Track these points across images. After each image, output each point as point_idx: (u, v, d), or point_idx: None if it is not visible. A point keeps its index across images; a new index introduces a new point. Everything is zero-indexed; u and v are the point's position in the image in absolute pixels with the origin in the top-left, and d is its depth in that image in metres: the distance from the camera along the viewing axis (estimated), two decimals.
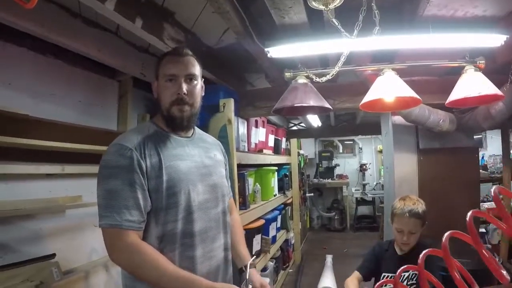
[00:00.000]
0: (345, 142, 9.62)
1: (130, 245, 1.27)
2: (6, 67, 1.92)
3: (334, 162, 9.13)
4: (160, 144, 1.43)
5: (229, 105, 2.88)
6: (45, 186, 2.11)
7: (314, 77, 2.17)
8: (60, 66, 2.24)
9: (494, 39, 2.15)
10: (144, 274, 1.29)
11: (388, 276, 1.96)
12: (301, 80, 2.19)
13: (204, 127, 2.78)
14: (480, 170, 4.12)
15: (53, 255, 2.03)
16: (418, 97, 2.02)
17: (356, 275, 1.98)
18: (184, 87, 1.45)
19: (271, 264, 4.35)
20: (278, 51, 2.32)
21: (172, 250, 1.38)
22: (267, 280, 1.70)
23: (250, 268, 1.69)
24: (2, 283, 1.71)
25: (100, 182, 1.33)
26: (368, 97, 2.09)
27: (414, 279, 1.89)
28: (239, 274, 1.71)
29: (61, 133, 2.03)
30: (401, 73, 2.13)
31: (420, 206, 1.99)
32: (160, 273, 1.27)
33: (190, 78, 1.48)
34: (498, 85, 2.08)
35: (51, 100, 2.17)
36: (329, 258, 2.04)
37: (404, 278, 1.91)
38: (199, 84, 1.53)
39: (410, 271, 1.91)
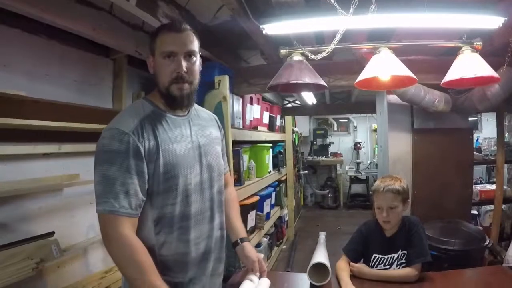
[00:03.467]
0: (340, 120, 9.64)
1: (123, 237, 1.25)
2: (0, 50, 1.90)
3: (328, 140, 9.14)
4: (157, 125, 1.39)
5: (224, 82, 2.88)
6: (42, 165, 2.12)
7: (309, 54, 2.16)
8: (55, 46, 2.22)
9: (491, 21, 2.14)
10: (127, 272, 1.27)
11: (378, 257, 1.99)
12: (296, 57, 2.18)
13: (199, 104, 2.76)
14: (474, 152, 4.15)
15: (52, 233, 2.05)
16: (414, 76, 2.02)
17: (345, 259, 1.98)
18: (184, 64, 1.40)
19: (265, 240, 4.43)
20: (273, 28, 2.30)
21: (170, 233, 1.38)
22: (261, 256, 1.73)
23: (244, 242, 1.72)
24: (3, 261, 1.73)
25: (97, 167, 1.30)
26: (363, 75, 2.09)
27: (403, 258, 1.93)
28: (233, 247, 1.74)
29: (57, 112, 2.02)
30: (397, 52, 2.12)
31: (398, 184, 1.97)
32: (142, 278, 1.24)
33: (190, 54, 1.43)
34: (495, 67, 2.08)
35: (46, 80, 2.16)
36: (322, 235, 2.06)
37: (394, 259, 1.95)
38: (198, 60, 1.48)
39: (400, 251, 1.94)
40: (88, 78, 2.47)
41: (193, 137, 1.50)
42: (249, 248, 1.72)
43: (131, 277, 1.26)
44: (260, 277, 1.67)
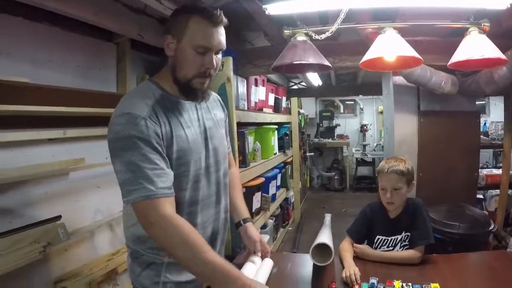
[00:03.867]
0: (346, 102, 9.59)
1: (167, 219, 1.22)
2: (3, 38, 1.90)
3: (334, 122, 9.14)
4: (168, 111, 1.34)
5: (228, 63, 2.86)
6: (48, 151, 2.13)
7: (313, 34, 2.14)
8: (57, 32, 2.20)
9: (499, 1, 2.06)
10: (178, 253, 1.25)
11: (382, 239, 2.00)
12: (300, 37, 2.16)
13: None
14: (481, 136, 4.11)
15: (59, 217, 2.08)
16: (419, 56, 2.00)
17: (349, 240, 1.99)
18: (214, 60, 1.35)
19: (270, 222, 4.46)
20: (276, 8, 2.26)
21: None
22: (266, 238, 1.75)
23: (247, 222, 1.74)
24: (11, 246, 1.75)
25: (117, 156, 1.23)
26: (368, 55, 2.07)
27: (407, 240, 1.93)
28: (236, 228, 1.75)
29: (61, 98, 2.02)
30: (403, 32, 2.10)
31: (403, 165, 1.96)
32: (195, 256, 1.22)
33: (219, 50, 1.37)
34: (503, 49, 2.05)
35: (50, 66, 2.15)
36: (327, 217, 2.07)
37: (397, 241, 1.95)
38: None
39: (403, 232, 1.95)
40: (92, 63, 2.46)
41: (200, 121, 1.47)
42: (251, 228, 1.73)
43: (184, 258, 1.25)
44: (263, 258, 1.69)
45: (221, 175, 1.57)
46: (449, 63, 2.14)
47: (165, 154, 1.30)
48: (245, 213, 1.77)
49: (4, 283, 1.81)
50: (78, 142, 2.31)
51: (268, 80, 4.89)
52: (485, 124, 6.00)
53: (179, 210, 1.35)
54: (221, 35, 1.35)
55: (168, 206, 1.24)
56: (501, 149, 4.25)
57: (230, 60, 2.87)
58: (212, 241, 1.52)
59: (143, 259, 1.41)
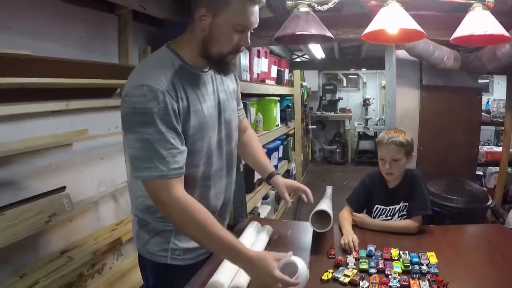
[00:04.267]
0: (349, 76, 9.53)
1: (178, 199, 1.23)
2: (3, 12, 1.87)
3: (337, 96, 9.11)
4: (186, 83, 1.30)
5: None
6: (51, 123, 2.14)
7: (316, 5, 2.13)
8: (58, 5, 2.18)
9: None
10: (191, 233, 1.28)
11: (380, 208, 2.03)
12: (303, 8, 2.13)
13: None
14: (482, 113, 4.11)
15: (64, 188, 2.11)
16: (422, 30, 1.99)
17: (348, 209, 2.02)
18: (248, 38, 1.33)
19: (272, 193, 4.52)
20: None
21: (192, 193, 1.30)
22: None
23: (274, 176, 1.80)
24: (17, 217, 1.78)
25: (132, 130, 1.21)
26: (371, 27, 2.05)
27: (405, 210, 1.97)
28: (266, 182, 1.84)
29: (64, 69, 2.01)
30: (406, 6, 2.07)
31: (402, 136, 1.97)
32: (207, 235, 1.23)
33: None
34: (507, 27, 2.02)
35: (51, 39, 2.14)
36: (329, 189, 2.09)
37: (396, 211, 1.99)
38: None
39: (402, 202, 1.98)
40: (93, 34, 2.44)
41: (215, 93, 1.44)
42: (282, 178, 1.81)
43: (195, 237, 1.28)
44: (307, 198, 1.76)
45: (233, 147, 1.58)
46: (451, 37, 2.12)
47: (181, 130, 1.28)
48: (271, 167, 1.83)
49: (12, 253, 1.87)
50: (81, 114, 2.33)
51: (271, 52, 4.86)
52: (488, 102, 5.98)
53: (192, 185, 1.36)
54: (258, 13, 1.31)
55: (179, 187, 1.25)
56: (502, 127, 4.25)
57: None
58: (222, 212, 1.57)
59: (152, 227, 1.43)
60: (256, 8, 1.28)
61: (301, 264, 1.25)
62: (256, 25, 1.32)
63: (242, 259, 1.24)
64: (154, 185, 1.22)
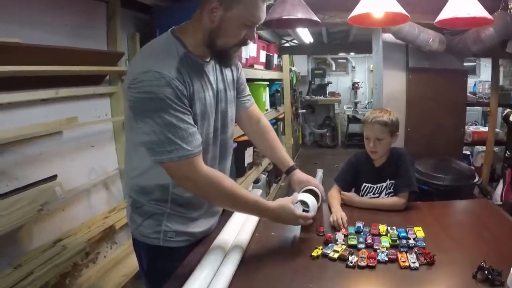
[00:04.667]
0: (338, 61, 9.55)
1: (206, 174, 1.29)
2: None
3: (326, 80, 9.11)
4: (191, 72, 1.31)
5: None
6: (41, 111, 2.13)
7: None
8: None
9: None
10: (222, 203, 1.45)
11: (368, 186, 2.06)
12: None
13: None
14: (468, 94, 4.18)
15: (55, 176, 2.12)
16: (406, 13, 2.02)
17: (337, 188, 2.04)
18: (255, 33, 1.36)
19: (263, 177, 4.54)
20: None
21: None
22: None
23: (294, 170, 1.82)
24: (10, 207, 1.79)
25: (147, 116, 1.20)
26: (356, 11, 2.08)
27: (392, 188, 2.00)
28: (286, 174, 1.86)
29: (52, 57, 2.01)
30: None
31: (387, 116, 1.99)
32: (236, 201, 1.36)
33: None
34: (490, 11, 2.07)
35: (39, 27, 2.12)
36: (319, 172, 2.11)
37: (382, 188, 2.02)
38: None
39: (388, 180, 2.01)
40: (82, 22, 2.43)
41: (214, 83, 1.45)
42: (300, 173, 1.83)
43: (225, 205, 1.44)
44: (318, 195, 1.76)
45: (228, 137, 1.59)
46: (436, 20, 2.16)
47: None
48: (289, 161, 1.85)
49: (5, 243, 1.88)
50: (70, 102, 2.32)
51: (260, 37, 4.86)
52: (475, 85, 6.05)
53: None
54: (265, 9, 1.33)
55: (202, 162, 1.30)
56: (488, 108, 4.34)
57: None
58: None
59: (145, 210, 1.45)
60: (265, 4, 1.30)
61: (310, 199, 1.61)
62: (262, 21, 1.33)
63: (267, 213, 1.44)
64: (180, 165, 1.25)
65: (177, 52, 1.30)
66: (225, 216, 1.71)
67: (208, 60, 1.41)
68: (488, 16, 1.99)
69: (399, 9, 1.99)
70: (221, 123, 1.51)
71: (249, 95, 1.79)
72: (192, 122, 1.28)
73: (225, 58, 1.38)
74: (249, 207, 1.40)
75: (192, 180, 1.28)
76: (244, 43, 1.36)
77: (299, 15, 2.09)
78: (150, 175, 1.38)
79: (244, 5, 1.26)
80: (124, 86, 1.29)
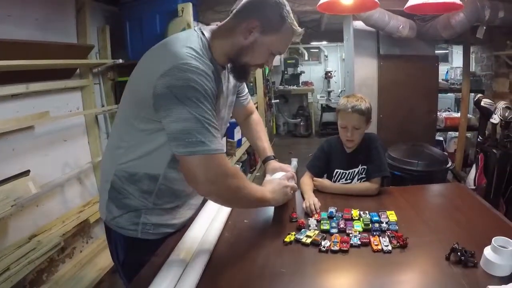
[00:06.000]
0: (311, 50, 9.55)
1: (235, 172, 1.29)
2: None
3: (299, 69, 9.13)
4: (215, 75, 1.29)
5: (188, 9, 2.80)
6: (12, 107, 2.11)
7: None
8: None
9: None
10: (234, 206, 1.55)
11: (340, 172, 2.08)
12: None
13: (163, 33, 2.75)
14: (442, 81, 4.24)
15: (28, 172, 2.10)
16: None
17: (309, 174, 2.05)
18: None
19: (237, 167, 4.56)
20: None
21: (181, 173, 1.32)
22: (294, 162, 1.91)
23: (271, 160, 1.86)
24: None
25: (186, 104, 1.16)
26: None
27: (364, 173, 2.02)
28: (263, 163, 1.90)
29: (22, 51, 1.98)
30: None
31: (363, 103, 1.98)
32: (248, 204, 1.44)
33: None
34: None
35: (8, 21, 2.08)
36: (294, 162, 2.12)
37: (355, 174, 2.04)
38: None
39: (360, 166, 2.03)
40: (51, 15, 2.39)
41: (225, 91, 1.48)
42: (274, 163, 1.86)
43: (239, 206, 1.55)
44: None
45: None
46: (405, 6, 2.20)
47: None
48: (268, 151, 1.89)
49: None
50: (41, 96, 2.30)
51: None
52: (447, 72, 6.15)
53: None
54: None
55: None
56: (460, 94, 4.40)
57: (189, 5, 2.80)
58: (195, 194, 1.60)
59: (125, 203, 1.42)
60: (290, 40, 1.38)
61: (281, 175, 1.70)
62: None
63: (267, 202, 1.49)
64: (213, 159, 1.21)
65: (207, 54, 1.30)
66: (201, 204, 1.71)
67: (224, 69, 1.43)
68: (458, 1, 2.02)
69: None
70: (220, 130, 1.50)
71: (247, 93, 1.85)
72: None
73: (243, 74, 1.42)
74: (255, 203, 1.45)
75: (226, 173, 1.25)
76: (262, 66, 1.43)
77: None
78: (143, 162, 1.36)
79: (280, 36, 1.32)
80: (140, 75, 1.31)
